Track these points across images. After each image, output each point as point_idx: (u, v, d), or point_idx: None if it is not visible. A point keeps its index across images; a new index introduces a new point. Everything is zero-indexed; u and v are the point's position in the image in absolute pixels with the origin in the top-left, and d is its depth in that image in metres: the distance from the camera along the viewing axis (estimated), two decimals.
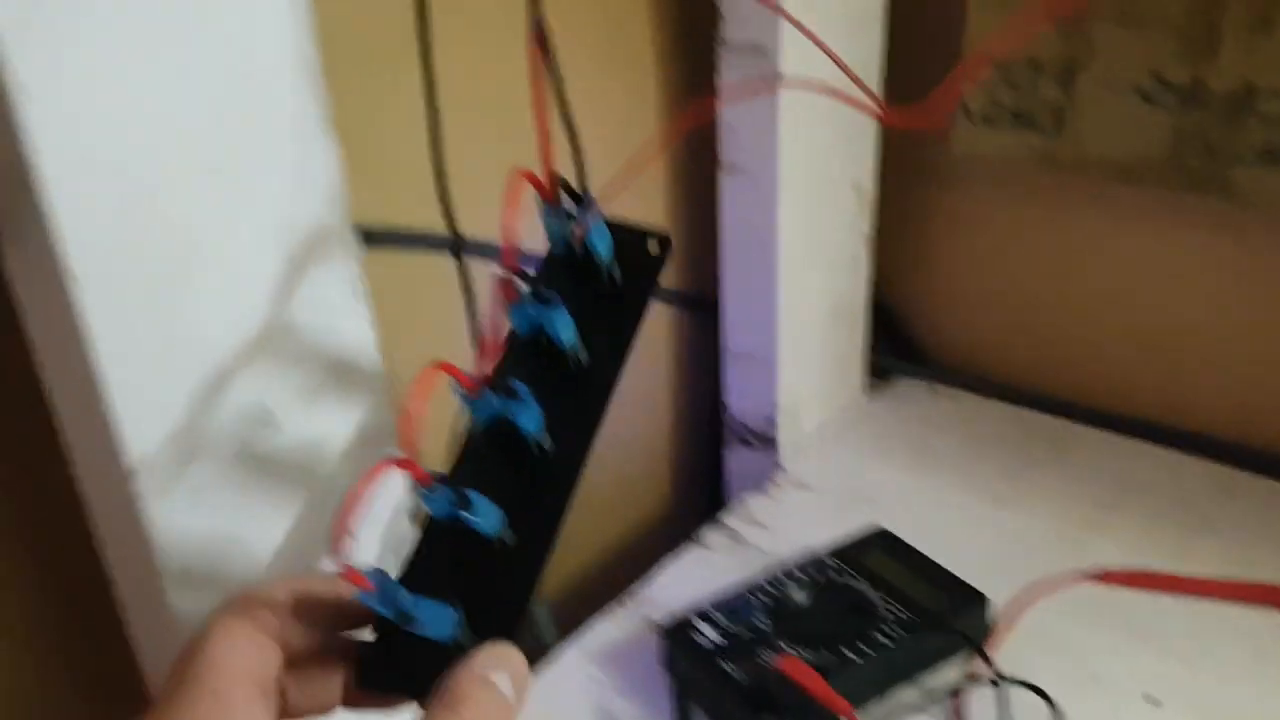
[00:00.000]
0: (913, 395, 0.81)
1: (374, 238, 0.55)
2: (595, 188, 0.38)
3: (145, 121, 0.37)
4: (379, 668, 0.34)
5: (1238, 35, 0.59)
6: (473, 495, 0.35)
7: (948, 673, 0.54)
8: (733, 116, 0.65)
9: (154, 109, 0.37)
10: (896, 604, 0.55)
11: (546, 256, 0.39)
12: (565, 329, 0.37)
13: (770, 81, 0.62)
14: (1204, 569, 0.61)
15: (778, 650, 0.52)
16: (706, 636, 0.54)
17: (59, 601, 0.50)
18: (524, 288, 0.37)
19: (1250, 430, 0.71)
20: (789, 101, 0.63)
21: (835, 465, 0.73)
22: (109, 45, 0.35)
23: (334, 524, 0.32)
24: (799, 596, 0.56)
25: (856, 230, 0.74)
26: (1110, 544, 0.64)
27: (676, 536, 0.67)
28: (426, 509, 0.35)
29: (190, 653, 0.32)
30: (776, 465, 0.73)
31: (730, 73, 0.63)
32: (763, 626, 0.54)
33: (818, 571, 0.58)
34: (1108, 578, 0.61)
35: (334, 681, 0.36)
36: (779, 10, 0.56)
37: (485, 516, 0.35)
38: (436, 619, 0.34)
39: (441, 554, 0.36)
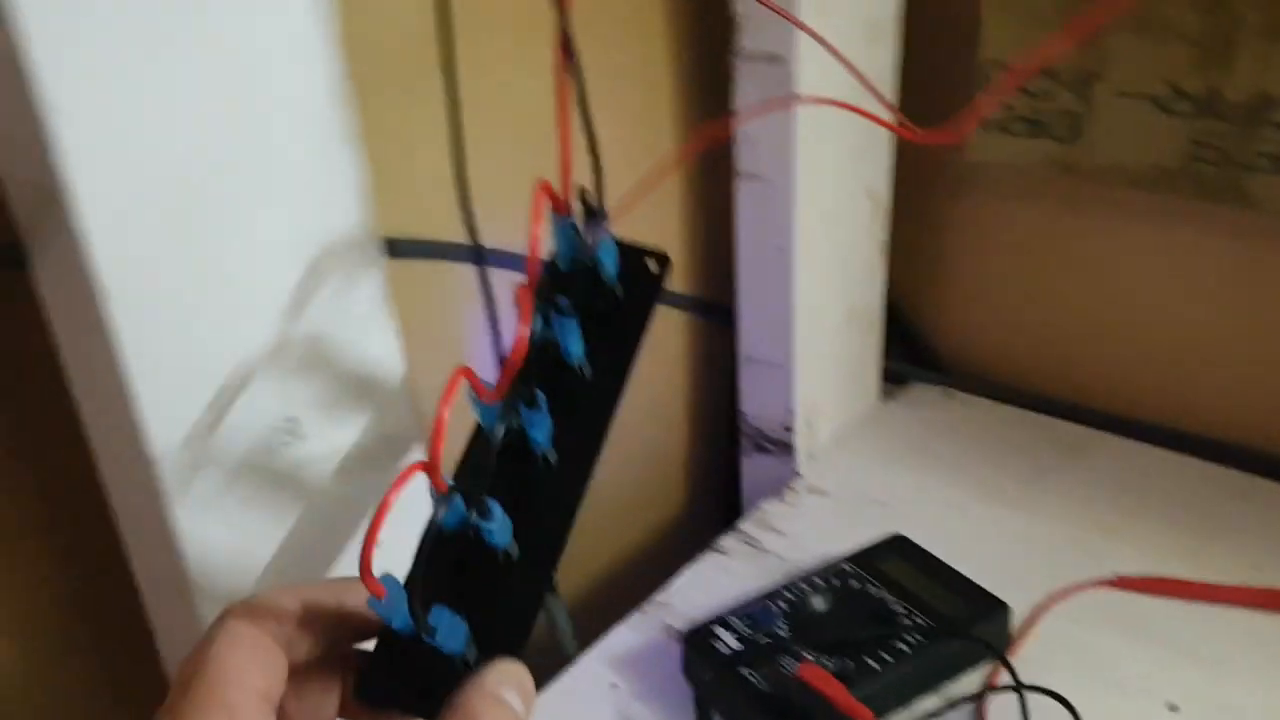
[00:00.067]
0: (928, 401, 0.81)
1: (396, 248, 0.55)
2: (610, 201, 0.38)
3: (175, 138, 0.37)
4: (380, 680, 0.33)
5: (1253, 46, 0.59)
6: (491, 504, 0.34)
7: (969, 681, 0.55)
8: (749, 125, 0.65)
9: (183, 125, 0.37)
10: (917, 611, 0.55)
11: (550, 267, 0.38)
12: (574, 341, 0.37)
13: (789, 99, 0.62)
14: (1220, 574, 0.61)
15: (798, 658, 0.52)
16: (726, 643, 0.54)
17: (87, 604, 0.50)
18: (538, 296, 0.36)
19: (1266, 436, 0.71)
20: (805, 110, 0.63)
21: (851, 471, 0.73)
22: (140, 64, 0.35)
23: (368, 530, 0.31)
24: (818, 603, 0.56)
25: (872, 237, 0.74)
26: (1126, 549, 0.64)
27: (692, 542, 0.68)
28: (438, 517, 0.34)
29: (200, 662, 0.32)
30: (792, 471, 0.74)
31: (746, 82, 0.63)
32: (783, 633, 0.54)
33: (837, 578, 0.58)
34: (1125, 583, 0.61)
35: (332, 693, 0.35)
36: (799, 24, 0.56)
37: (500, 528, 0.34)
38: (452, 631, 0.33)
39: (445, 565, 0.34)
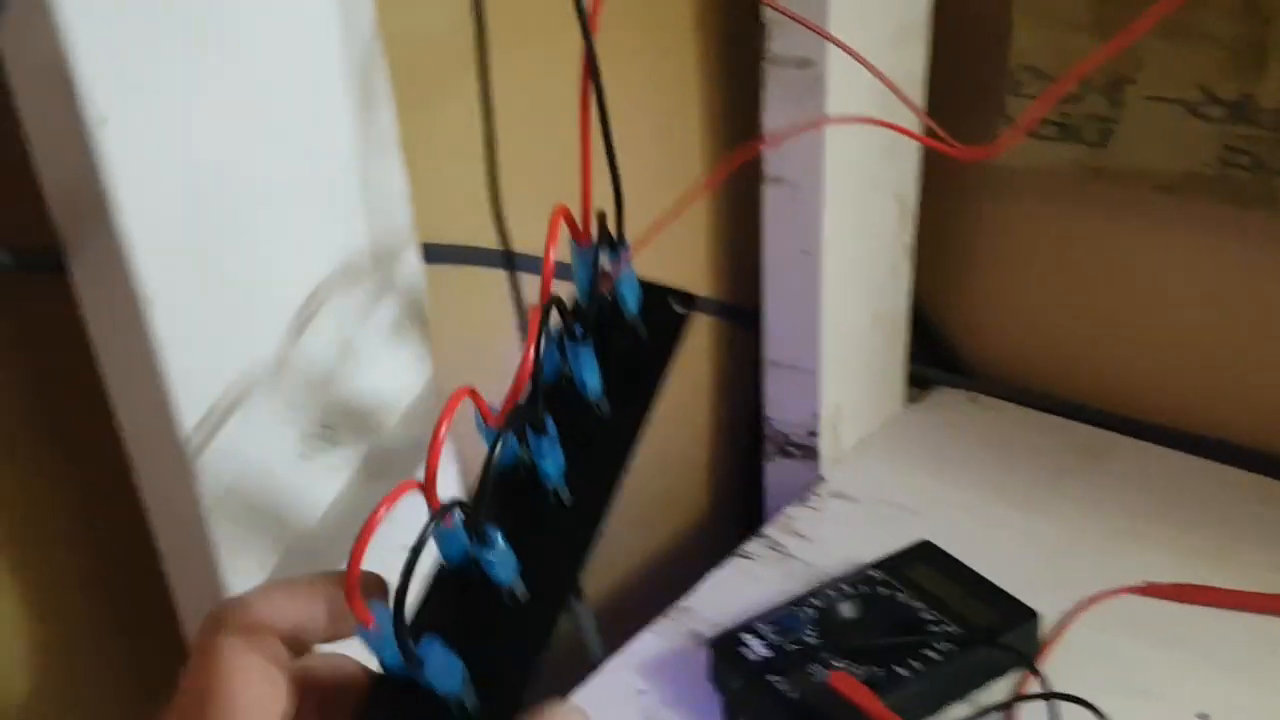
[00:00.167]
0: (953, 405, 0.81)
1: (429, 253, 0.55)
2: (636, 219, 0.36)
3: (216, 145, 0.37)
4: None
5: None
6: (492, 532, 0.31)
7: (998, 688, 0.54)
8: (777, 129, 0.65)
9: (224, 132, 0.37)
10: (946, 619, 0.55)
11: (564, 301, 0.36)
12: (591, 373, 0.35)
13: (819, 121, 0.61)
14: (1245, 579, 0.61)
15: (827, 665, 0.52)
16: (754, 650, 0.54)
17: (117, 595, 0.51)
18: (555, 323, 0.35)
19: None
20: (832, 114, 0.63)
21: (876, 476, 0.73)
22: (182, 72, 0.36)
23: (353, 551, 0.29)
24: (847, 610, 0.56)
25: (898, 241, 0.74)
26: (1151, 555, 0.64)
27: (716, 547, 0.68)
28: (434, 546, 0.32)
29: (208, 691, 0.30)
30: (817, 476, 0.73)
31: (776, 86, 0.63)
32: (811, 641, 0.54)
33: (865, 585, 0.58)
34: (1152, 590, 0.61)
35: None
36: (826, 35, 0.56)
37: (502, 561, 0.31)
38: (445, 668, 0.30)
39: (444, 597, 0.32)
